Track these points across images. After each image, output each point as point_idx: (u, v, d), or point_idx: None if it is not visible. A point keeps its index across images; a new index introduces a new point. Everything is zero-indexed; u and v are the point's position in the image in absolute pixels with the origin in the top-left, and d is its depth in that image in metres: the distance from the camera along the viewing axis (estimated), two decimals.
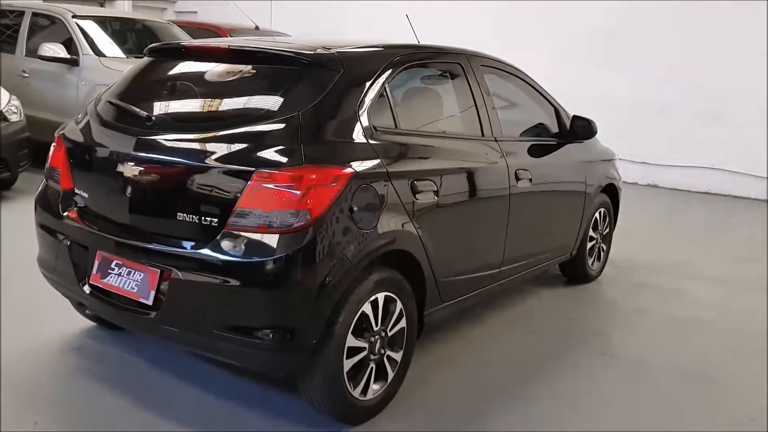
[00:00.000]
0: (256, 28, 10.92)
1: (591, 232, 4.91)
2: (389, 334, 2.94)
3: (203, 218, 2.62)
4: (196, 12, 14.65)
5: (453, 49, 3.70)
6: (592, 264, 5.03)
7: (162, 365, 3.31)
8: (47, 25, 8.31)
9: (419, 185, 3.01)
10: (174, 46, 3.30)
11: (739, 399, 3.42)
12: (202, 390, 3.11)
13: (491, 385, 3.36)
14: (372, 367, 2.87)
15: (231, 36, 9.84)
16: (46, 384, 3.13)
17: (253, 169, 2.54)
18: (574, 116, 4.41)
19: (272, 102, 2.79)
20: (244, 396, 3.07)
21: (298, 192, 2.51)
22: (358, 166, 2.72)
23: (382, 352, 2.91)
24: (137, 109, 2.93)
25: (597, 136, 4.61)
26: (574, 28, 10.05)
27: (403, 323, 3.01)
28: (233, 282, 2.54)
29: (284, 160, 2.57)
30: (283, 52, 2.95)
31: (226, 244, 2.55)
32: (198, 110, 2.98)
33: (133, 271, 2.82)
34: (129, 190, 2.82)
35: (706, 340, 4.17)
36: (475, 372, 3.51)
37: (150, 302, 2.74)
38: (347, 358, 2.72)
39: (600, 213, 4.98)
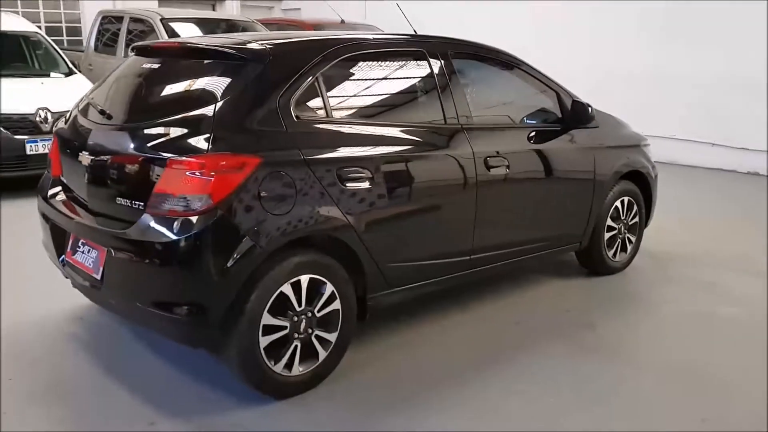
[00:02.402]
0: (342, 21, 11.26)
1: (611, 222, 4.69)
2: (317, 314, 3.06)
3: (133, 202, 2.89)
4: (299, 9, 15.25)
5: (413, 37, 3.72)
6: (614, 255, 4.80)
7: (143, 337, 3.62)
8: (143, 28, 9.11)
9: (348, 173, 3.09)
10: (145, 45, 3.60)
11: (726, 400, 3.20)
12: (165, 360, 3.40)
13: (442, 373, 3.36)
14: (296, 345, 3.00)
15: (314, 30, 10.26)
16: (38, 345, 3.54)
17: (168, 156, 2.77)
18: (573, 101, 4.25)
19: (197, 94, 3.02)
20: (201, 368, 3.31)
21: (202, 178, 2.70)
22: (270, 153, 2.87)
23: (309, 331, 3.04)
24: (97, 104, 3.26)
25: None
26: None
27: (337, 305, 3.12)
28: (147, 260, 2.80)
29: (194, 148, 2.77)
30: (215, 48, 3.15)
31: (143, 226, 2.80)
32: (142, 103, 3.25)
33: (91, 249, 3.15)
34: (87, 176, 3.15)
35: (718, 336, 3.90)
36: (432, 358, 3.52)
37: (99, 277, 3.05)
38: (264, 335, 2.88)
39: (623, 202, 4.75)
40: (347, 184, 3.08)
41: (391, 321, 3.85)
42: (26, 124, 6.62)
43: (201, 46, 3.26)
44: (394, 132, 3.38)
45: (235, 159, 2.76)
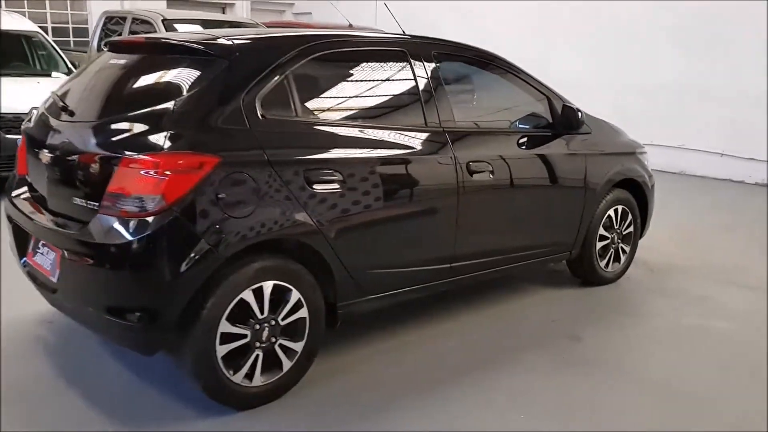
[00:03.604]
0: (350, 25, 11.16)
1: (603, 231, 4.53)
2: (282, 323, 2.93)
3: (89, 202, 2.77)
4: (311, 13, 15.19)
5: (393, 37, 3.59)
6: (606, 265, 4.64)
7: (110, 342, 3.51)
8: (146, 29, 9.04)
9: (317, 175, 2.97)
10: (117, 41, 3.50)
11: (704, 417, 3.05)
12: (127, 367, 3.29)
13: (419, 383, 3.23)
14: (258, 355, 2.87)
15: None
16: (2, 347, 3.44)
17: (121, 154, 2.66)
18: (564, 105, 4.09)
19: (160, 90, 2.92)
20: (163, 375, 3.19)
21: (156, 177, 2.58)
22: (231, 153, 2.75)
23: (273, 340, 2.91)
24: (62, 101, 3.16)
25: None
26: (671, 12, 9.23)
27: (303, 313, 2.99)
28: (98, 263, 2.68)
29: (151, 146, 2.65)
30: (182, 43, 3.04)
31: (95, 227, 2.68)
32: (104, 100, 3.12)
33: (49, 251, 3.04)
34: (47, 175, 3.05)
35: (705, 352, 3.73)
36: (411, 367, 3.39)
37: (56, 280, 2.94)
38: (222, 344, 2.75)
39: (616, 211, 4.58)
40: (316, 187, 2.95)
41: (373, 327, 3.73)
42: (19, 124, 6.54)
43: (168, 41, 3.16)
44: (369, 134, 3.24)
45: (191, 158, 2.64)
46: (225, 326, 2.76)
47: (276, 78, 2.96)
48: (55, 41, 8.73)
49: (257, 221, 2.78)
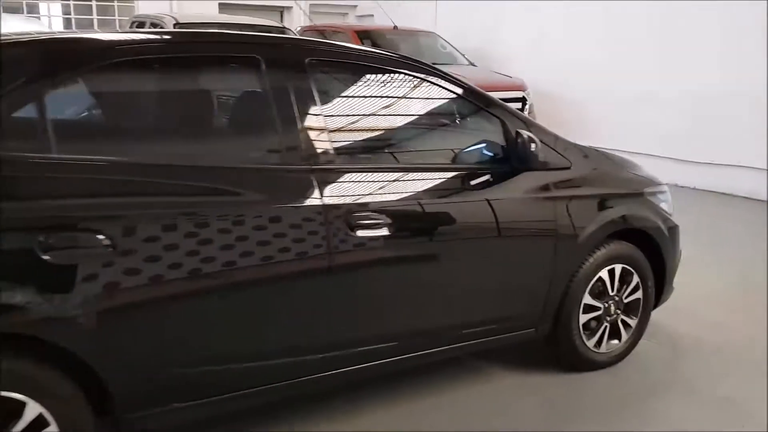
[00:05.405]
0: (395, 28, 10.31)
1: (591, 300, 3.34)
2: None
3: None
4: (372, 15, 14.32)
5: (241, 37, 2.61)
6: (597, 345, 3.44)
7: None
8: None
9: (62, 239, 2.05)
10: None
11: None
12: None
13: None
14: None
15: (358, 37, 9.48)
16: None
17: None
18: (517, 132, 2.95)
19: None
20: None
21: None
22: None
23: None
24: None
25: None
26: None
27: None
28: None
29: None
30: None
31: None
32: None
33: None
34: None
35: None
36: None
37: None
38: None
39: (612, 272, 3.38)
40: (57, 255, 2.04)
41: None
42: None
43: None
44: (174, 177, 2.29)
45: None
46: None
47: (13, 99, 2.08)
48: None
49: None
